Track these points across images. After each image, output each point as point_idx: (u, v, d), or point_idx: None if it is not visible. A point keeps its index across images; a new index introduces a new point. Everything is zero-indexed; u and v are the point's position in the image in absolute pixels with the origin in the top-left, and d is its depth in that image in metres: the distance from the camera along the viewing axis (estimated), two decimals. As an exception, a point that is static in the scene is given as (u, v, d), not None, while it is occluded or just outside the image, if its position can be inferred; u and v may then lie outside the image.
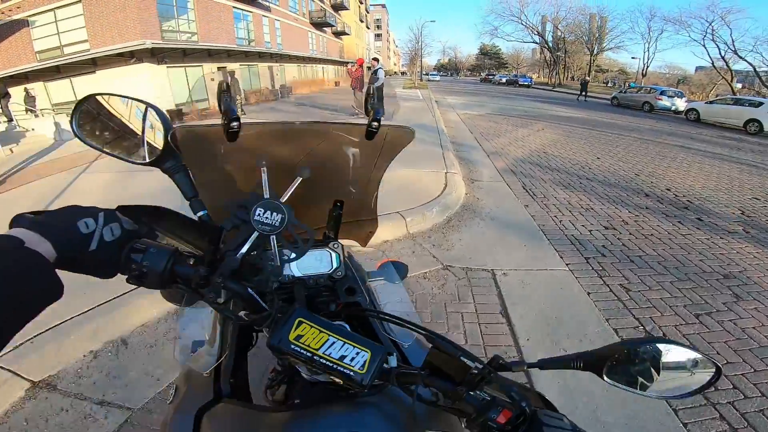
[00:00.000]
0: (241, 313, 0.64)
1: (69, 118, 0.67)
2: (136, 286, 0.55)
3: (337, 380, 0.57)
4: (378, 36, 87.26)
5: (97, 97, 0.68)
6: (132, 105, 0.69)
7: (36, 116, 13.48)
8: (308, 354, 0.55)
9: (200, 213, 0.69)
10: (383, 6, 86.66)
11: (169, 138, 0.66)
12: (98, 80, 14.34)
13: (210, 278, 0.58)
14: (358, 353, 0.56)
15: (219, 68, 16.96)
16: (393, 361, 0.60)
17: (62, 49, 14.15)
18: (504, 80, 45.92)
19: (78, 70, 14.32)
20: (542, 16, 48.82)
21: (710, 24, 34.37)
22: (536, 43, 51.65)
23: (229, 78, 13.24)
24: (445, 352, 0.58)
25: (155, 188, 4.95)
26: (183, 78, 15.16)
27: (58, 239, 0.48)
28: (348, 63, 11.18)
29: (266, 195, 0.65)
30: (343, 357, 0.55)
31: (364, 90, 10.85)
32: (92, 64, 14.00)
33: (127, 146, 0.70)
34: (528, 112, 16.56)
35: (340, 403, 0.63)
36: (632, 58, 47.01)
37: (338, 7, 37.65)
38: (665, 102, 18.92)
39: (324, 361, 0.55)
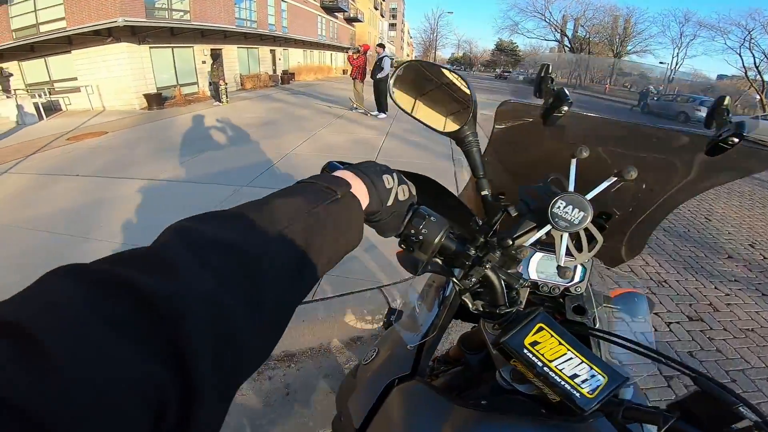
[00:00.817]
0: (478, 302, 0.62)
1: (389, 80, 0.71)
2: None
3: (551, 397, 0.55)
4: (392, 26, 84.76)
5: (416, 63, 0.70)
6: (446, 76, 0.68)
7: (8, 97, 12.15)
8: (539, 363, 0.53)
9: (484, 192, 0.66)
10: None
11: (472, 113, 0.64)
12: (73, 60, 12.98)
13: (478, 260, 0.58)
14: (593, 376, 0.52)
15: (213, 50, 15.47)
16: (628, 394, 0.58)
17: (38, 27, 12.76)
18: (521, 78, 43.79)
19: (53, 50, 12.96)
20: (563, 14, 46.00)
21: (750, 32, 32.23)
22: (557, 41, 48.98)
23: (212, 61, 11.83)
24: (715, 397, 0.50)
25: (68, 205, 4.22)
26: (169, 59, 13.69)
27: (372, 189, 0.49)
28: (349, 49, 9.34)
29: (571, 188, 0.60)
30: (575, 376, 0.52)
31: (365, 81, 9.42)
32: (68, 43, 12.61)
33: (433, 114, 0.71)
34: (551, 117, 14.89)
35: (537, 420, 0.59)
36: (660, 63, 44.40)
37: None
38: (704, 113, 17.06)
39: (553, 375, 0.52)
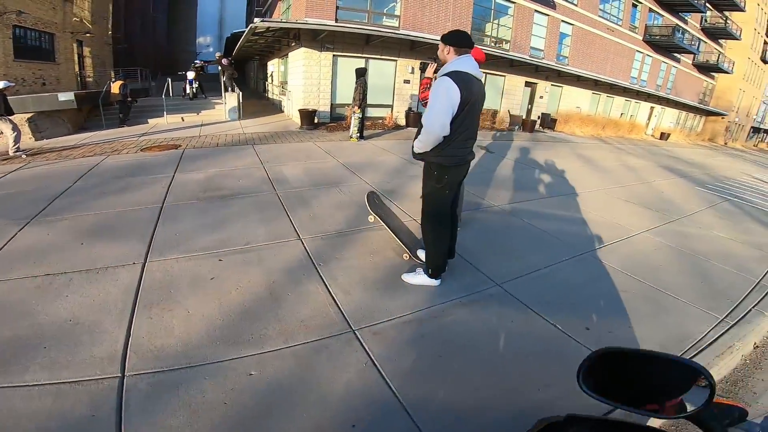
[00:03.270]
0: None
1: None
2: None
3: None
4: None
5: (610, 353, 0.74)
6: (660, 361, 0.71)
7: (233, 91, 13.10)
8: None
9: None
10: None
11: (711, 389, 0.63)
12: (289, 63, 12.69)
13: None
14: None
15: (422, 64, 12.14)
16: None
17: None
18: None
19: (282, 52, 13.15)
20: None
21: None
22: None
23: (357, 78, 8.26)
24: None
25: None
26: (358, 73, 11.31)
27: None
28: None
29: None
30: None
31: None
32: (288, 46, 12.36)
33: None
34: None
35: None
36: None
37: (717, 34, 24.00)
38: None
39: None
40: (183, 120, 11.28)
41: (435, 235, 2.61)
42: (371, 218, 3.31)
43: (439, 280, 2.74)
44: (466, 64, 2.32)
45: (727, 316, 2.68)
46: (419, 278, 2.73)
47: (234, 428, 1.64)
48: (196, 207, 4.00)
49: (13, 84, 8.01)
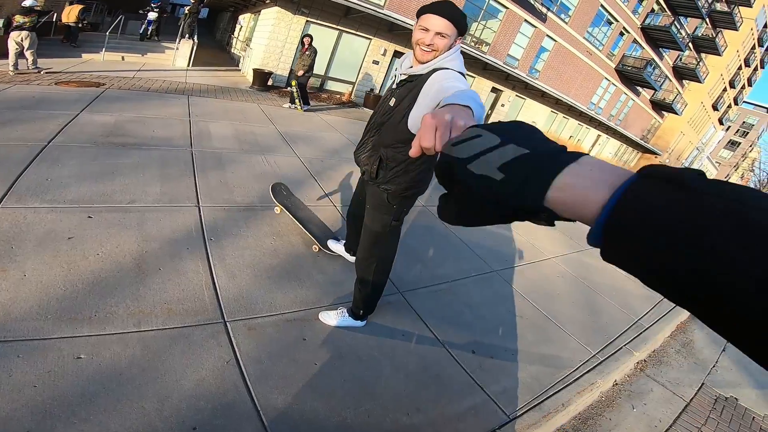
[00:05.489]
0: None
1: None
2: None
3: None
4: (734, 144, 62.91)
5: None
6: None
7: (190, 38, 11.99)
8: None
9: None
10: (770, 111, 60.50)
11: None
12: (259, 20, 11.79)
13: None
14: None
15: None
16: None
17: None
18: None
19: (257, 8, 12.18)
20: None
21: None
22: None
23: (302, 46, 7.74)
24: None
25: None
26: (329, 43, 10.73)
27: None
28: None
29: None
30: None
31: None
32: (262, 3, 11.44)
33: None
34: None
35: None
36: None
37: (685, 74, 25.48)
38: None
39: None
40: (123, 59, 10.17)
41: (377, 279, 2.14)
42: (277, 210, 3.06)
43: (365, 321, 2.34)
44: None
45: (599, 351, 2.80)
46: (345, 321, 2.26)
47: (36, 414, 1.38)
48: (87, 152, 3.51)
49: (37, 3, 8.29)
